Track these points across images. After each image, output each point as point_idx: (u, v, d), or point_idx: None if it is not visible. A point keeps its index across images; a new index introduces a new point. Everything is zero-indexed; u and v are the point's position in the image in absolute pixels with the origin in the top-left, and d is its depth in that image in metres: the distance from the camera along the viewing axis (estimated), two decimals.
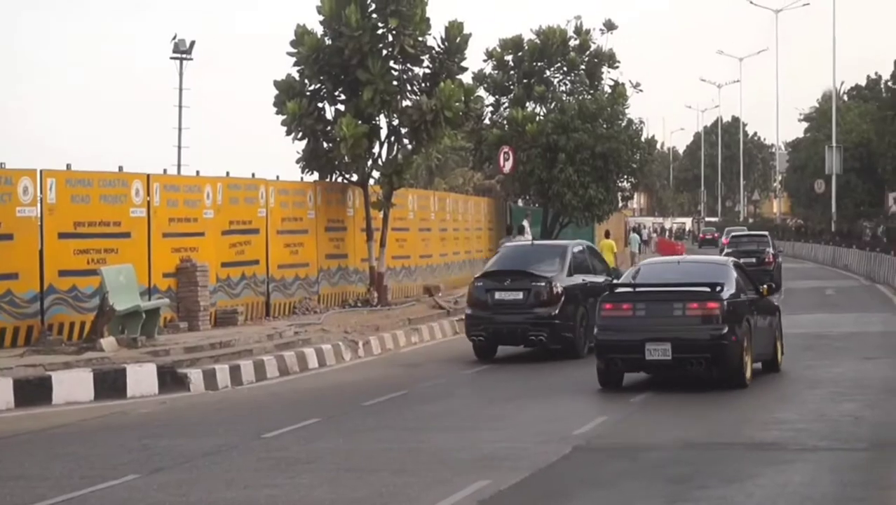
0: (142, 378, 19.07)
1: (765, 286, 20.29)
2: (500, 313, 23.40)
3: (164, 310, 23.26)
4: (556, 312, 23.23)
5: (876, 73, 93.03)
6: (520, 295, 23.43)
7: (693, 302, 18.11)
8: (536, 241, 30.31)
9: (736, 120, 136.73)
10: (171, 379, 19.41)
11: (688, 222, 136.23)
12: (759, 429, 14.89)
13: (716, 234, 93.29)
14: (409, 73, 31.82)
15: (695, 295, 18.18)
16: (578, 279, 24.13)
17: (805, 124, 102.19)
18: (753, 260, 41.69)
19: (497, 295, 23.54)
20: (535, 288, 23.37)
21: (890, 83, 67.77)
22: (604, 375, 18.83)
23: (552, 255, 24.59)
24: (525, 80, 47.91)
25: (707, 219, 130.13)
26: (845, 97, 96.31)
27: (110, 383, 18.69)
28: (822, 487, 11.55)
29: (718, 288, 18.21)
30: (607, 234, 51.28)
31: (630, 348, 18.25)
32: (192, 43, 70.34)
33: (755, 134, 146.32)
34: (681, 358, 18.12)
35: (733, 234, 56.79)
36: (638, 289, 18.87)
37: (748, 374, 18.49)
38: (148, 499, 11.49)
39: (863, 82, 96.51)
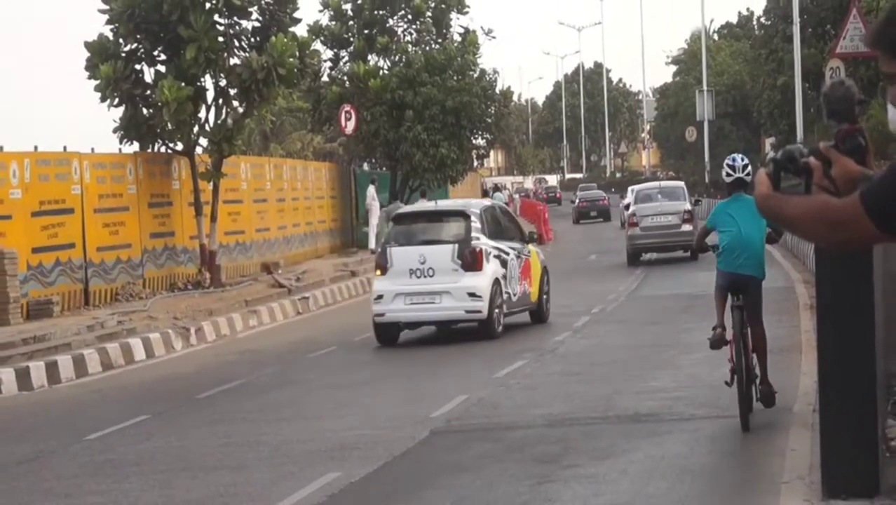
0: None
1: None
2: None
3: None
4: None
5: (748, 10, 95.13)
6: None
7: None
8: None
9: (599, 66, 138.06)
10: None
11: (552, 179, 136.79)
12: (632, 400, 15.09)
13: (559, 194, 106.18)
14: (237, 28, 31.62)
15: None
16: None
17: (673, 68, 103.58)
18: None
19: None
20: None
21: (763, 19, 68.74)
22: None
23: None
24: (366, 31, 47.84)
25: (571, 175, 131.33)
26: (716, 36, 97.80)
27: None
28: (700, 458, 11.77)
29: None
30: (492, 192, 55.61)
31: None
32: None
33: (620, 80, 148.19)
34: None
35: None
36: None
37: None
38: None
39: (734, 19, 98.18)
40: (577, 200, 76.88)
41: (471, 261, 22.26)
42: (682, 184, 47.11)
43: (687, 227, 38.87)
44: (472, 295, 22.11)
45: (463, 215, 23.13)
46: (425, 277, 22.35)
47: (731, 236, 13.35)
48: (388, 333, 22.65)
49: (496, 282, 22.53)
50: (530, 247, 24.80)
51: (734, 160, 13.69)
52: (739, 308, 13.37)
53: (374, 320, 22.61)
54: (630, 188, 48.29)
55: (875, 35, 3.80)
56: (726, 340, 13.54)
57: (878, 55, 3.79)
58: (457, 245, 22.42)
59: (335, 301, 32.03)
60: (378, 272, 22.98)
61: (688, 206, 40.21)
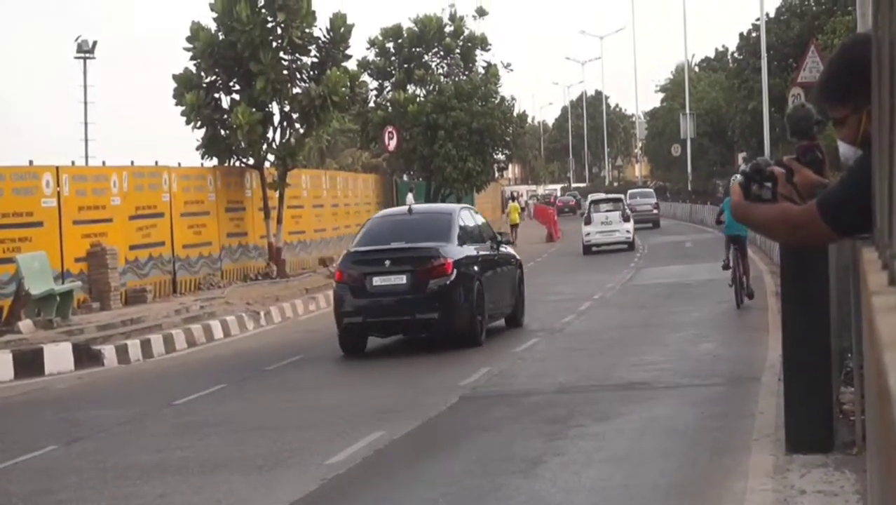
0: (58, 356, 18.76)
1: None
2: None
3: (78, 292, 22.88)
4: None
5: (723, 46, 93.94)
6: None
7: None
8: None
9: (599, 94, 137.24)
10: (86, 355, 19.13)
11: (557, 189, 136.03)
12: (627, 371, 15.01)
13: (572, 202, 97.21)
14: (298, 63, 31.67)
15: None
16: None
17: (661, 95, 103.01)
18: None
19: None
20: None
21: (736, 55, 68.38)
22: None
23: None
24: (405, 65, 47.82)
25: (575, 184, 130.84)
26: (696, 69, 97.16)
27: (29, 362, 18.38)
28: (684, 419, 11.69)
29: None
30: (513, 198, 59.48)
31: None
32: (95, 43, 68.78)
33: (617, 105, 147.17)
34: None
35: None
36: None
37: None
38: (67, 466, 11.32)
39: (712, 54, 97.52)
40: (556, 201, 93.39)
41: (626, 217, 42.18)
42: (652, 190, 68.79)
43: (655, 211, 59.77)
44: (628, 231, 41.83)
45: (620, 200, 44.22)
46: (608, 225, 41.92)
47: (729, 217, 19.31)
48: (589, 251, 41.16)
49: (634, 226, 42.64)
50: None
51: (734, 179, 20.02)
52: (737, 250, 21.02)
53: (583, 243, 41.70)
54: (589, 195, 60.02)
55: (819, 92, 3.83)
56: (730, 266, 21.21)
57: (825, 106, 3.80)
58: (620, 211, 42.12)
59: None
60: (584, 224, 42.32)
61: (655, 201, 60.94)
